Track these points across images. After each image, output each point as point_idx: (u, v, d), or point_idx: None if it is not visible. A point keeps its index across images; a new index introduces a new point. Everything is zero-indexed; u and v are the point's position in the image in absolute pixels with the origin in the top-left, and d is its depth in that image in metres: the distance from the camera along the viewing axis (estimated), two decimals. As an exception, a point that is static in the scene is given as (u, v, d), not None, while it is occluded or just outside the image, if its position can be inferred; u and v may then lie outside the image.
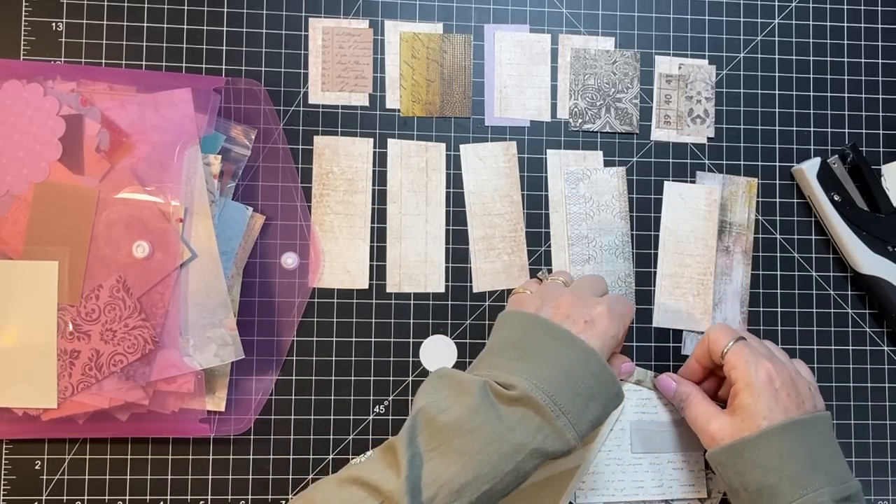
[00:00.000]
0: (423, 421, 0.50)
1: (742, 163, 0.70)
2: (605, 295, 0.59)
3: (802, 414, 0.56)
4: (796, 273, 0.70)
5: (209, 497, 0.64)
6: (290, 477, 0.65)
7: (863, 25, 0.72)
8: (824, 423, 0.57)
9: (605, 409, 0.53)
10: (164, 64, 0.66)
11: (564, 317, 0.54)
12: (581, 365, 0.52)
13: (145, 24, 0.66)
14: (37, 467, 0.64)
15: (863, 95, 0.71)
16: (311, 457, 0.65)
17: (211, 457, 0.65)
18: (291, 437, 0.65)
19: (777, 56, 0.71)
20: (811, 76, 0.71)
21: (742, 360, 0.58)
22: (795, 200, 0.71)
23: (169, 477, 0.64)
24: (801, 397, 0.57)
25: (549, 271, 0.66)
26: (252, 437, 0.65)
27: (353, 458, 0.51)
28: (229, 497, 0.65)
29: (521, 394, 0.49)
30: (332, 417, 0.66)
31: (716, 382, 0.65)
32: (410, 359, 0.67)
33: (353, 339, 0.66)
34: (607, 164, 0.69)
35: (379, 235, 0.67)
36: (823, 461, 0.55)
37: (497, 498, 0.49)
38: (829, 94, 0.71)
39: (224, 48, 0.67)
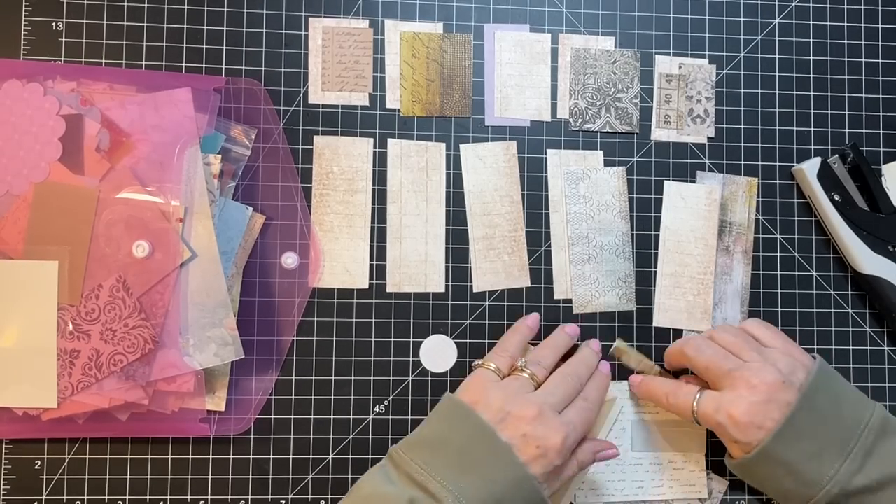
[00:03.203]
0: None
1: (742, 162, 0.70)
2: (572, 403, 0.58)
3: (784, 417, 0.55)
4: (796, 273, 0.70)
5: (209, 497, 0.64)
6: (290, 477, 0.65)
7: (863, 25, 0.72)
8: (813, 395, 0.56)
9: None
10: (164, 64, 0.66)
11: (518, 435, 0.54)
12: (514, 489, 0.52)
13: (145, 24, 0.66)
14: (37, 467, 0.64)
15: (863, 95, 0.71)
16: (310, 457, 0.65)
17: (211, 457, 0.65)
18: (291, 436, 0.65)
19: (777, 56, 0.71)
20: (811, 76, 0.71)
21: (713, 423, 0.58)
22: (795, 200, 0.71)
23: (169, 477, 0.64)
24: (792, 385, 0.56)
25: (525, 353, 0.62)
26: (252, 436, 0.65)
27: None
28: (229, 497, 0.65)
29: None
30: (332, 417, 0.66)
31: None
32: (410, 359, 0.67)
33: (353, 339, 0.66)
34: (607, 163, 0.69)
35: (379, 235, 0.67)
36: (834, 431, 0.55)
37: None
38: (829, 94, 0.71)
39: (224, 48, 0.67)
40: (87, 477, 0.64)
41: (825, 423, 0.55)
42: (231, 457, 0.65)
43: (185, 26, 0.67)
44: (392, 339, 0.67)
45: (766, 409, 0.55)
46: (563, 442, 0.54)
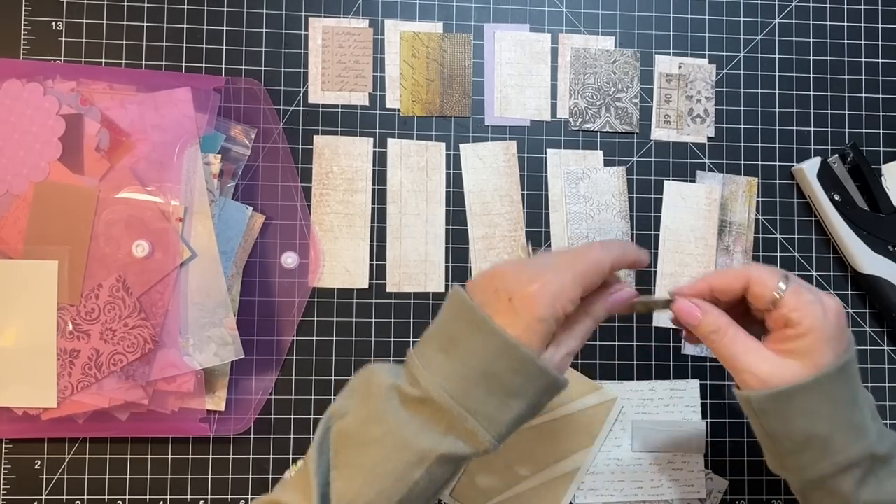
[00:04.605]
0: (333, 436, 0.46)
1: (742, 162, 0.70)
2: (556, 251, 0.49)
3: (849, 347, 0.48)
4: (796, 273, 0.70)
5: (209, 496, 0.64)
6: (290, 476, 0.65)
7: (863, 25, 0.72)
8: (855, 351, 0.49)
9: (536, 402, 0.47)
10: (163, 63, 0.66)
11: (492, 292, 0.46)
12: (498, 360, 0.45)
13: (145, 24, 0.66)
14: (36, 467, 0.64)
15: (863, 95, 0.71)
16: (310, 456, 0.65)
17: (211, 456, 0.65)
18: (291, 436, 0.65)
19: (777, 55, 0.71)
20: (811, 76, 0.71)
21: (806, 301, 0.47)
22: (795, 200, 0.71)
23: (169, 476, 0.64)
24: (847, 328, 0.49)
25: (547, 247, 0.53)
26: (252, 436, 0.65)
27: (286, 473, 0.51)
28: (229, 497, 0.64)
29: (424, 395, 0.45)
30: (331, 417, 0.66)
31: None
32: (410, 358, 0.67)
33: (353, 339, 0.66)
34: (607, 163, 0.69)
35: (379, 235, 0.67)
36: (864, 395, 0.49)
37: (424, 501, 0.46)
38: (829, 94, 0.71)
39: (224, 48, 0.67)
40: (86, 477, 0.64)
41: (859, 378, 0.49)
42: (231, 457, 0.65)
43: (185, 26, 0.67)
44: (392, 339, 0.67)
45: (842, 331, 0.48)
46: (541, 288, 0.45)
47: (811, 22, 0.71)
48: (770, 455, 0.51)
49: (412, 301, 0.67)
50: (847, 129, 0.71)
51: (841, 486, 0.47)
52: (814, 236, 0.70)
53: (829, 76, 0.71)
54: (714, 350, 0.50)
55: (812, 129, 0.71)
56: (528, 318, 0.45)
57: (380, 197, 0.67)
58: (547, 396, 0.47)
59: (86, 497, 0.64)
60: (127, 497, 0.64)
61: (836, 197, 0.68)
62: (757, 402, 0.48)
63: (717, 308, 0.50)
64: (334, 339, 0.66)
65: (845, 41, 0.72)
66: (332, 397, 0.66)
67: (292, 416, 0.65)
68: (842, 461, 0.47)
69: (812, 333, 0.47)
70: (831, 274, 0.70)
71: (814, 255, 0.70)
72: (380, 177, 0.67)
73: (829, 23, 0.72)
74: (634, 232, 0.69)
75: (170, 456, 0.64)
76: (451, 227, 0.68)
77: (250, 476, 0.65)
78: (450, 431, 0.45)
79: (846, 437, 0.47)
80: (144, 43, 0.66)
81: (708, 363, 0.68)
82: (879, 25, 0.72)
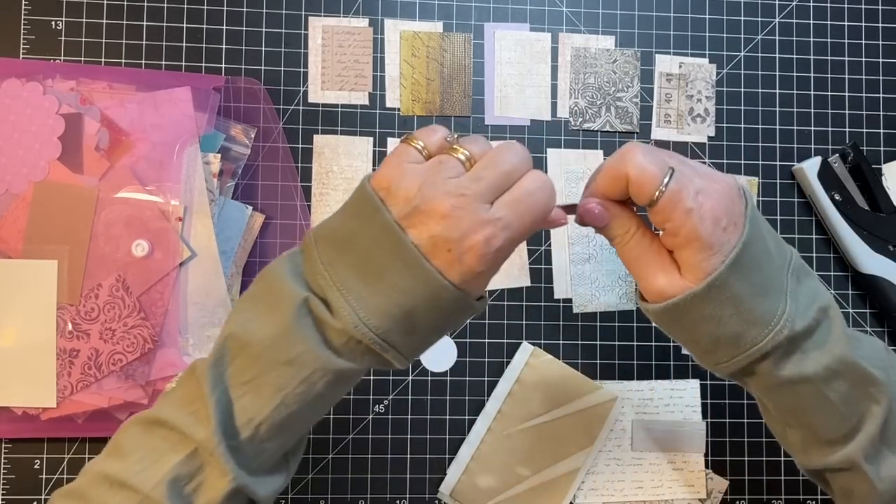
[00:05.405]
0: (234, 349, 0.43)
1: (743, 162, 0.70)
2: (507, 192, 0.44)
3: (741, 235, 0.44)
4: (797, 272, 0.70)
5: (209, 496, 0.64)
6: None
7: (863, 24, 0.72)
8: (757, 221, 0.45)
9: (453, 330, 0.48)
10: (163, 63, 0.66)
11: (426, 237, 0.42)
12: (428, 302, 0.43)
13: (145, 23, 0.66)
14: (36, 466, 0.63)
15: (863, 94, 0.71)
16: (310, 456, 0.65)
17: (210, 456, 0.65)
18: (291, 436, 0.65)
19: (777, 55, 0.71)
20: (812, 75, 0.71)
21: (682, 210, 0.43)
22: (796, 200, 0.71)
23: (168, 476, 0.64)
24: (740, 214, 0.45)
25: (457, 138, 0.46)
26: (251, 436, 0.65)
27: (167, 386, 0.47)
28: (229, 496, 0.64)
29: (345, 328, 0.42)
30: (331, 416, 0.65)
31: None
32: (410, 358, 0.67)
33: (353, 339, 0.66)
34: (607, 163, 0.69)
35: (379, 234, 0.67)
36: (772, 268, 0.45)
37: (324, 411, 0.47)
38: (829, 93, 0.71)
39: (224, 47, 0.67)
40: (86, 476, 0.64)
41: (768, 254, 0.45)
42: (230, 456, 0.65)
43: (185, 25, 0.67)
44: (392, 339, 0.66)
45: (737, 216, 0.44)
46: (486, 244, 0.42)
47: (811, 21, 0.71)
48: (693, 355, 0.49)
49: (412, 301, 0.67)
50: (847, 129, 0.71)
51: (762, 369, 0.46)
52: (814, 236, 0.70)
53: (829, 76, 0.71)
54: (619, 255, 0.48)
55: (812, 128, 0.71)
56: (467, 271, 0.42)
57: (380, 196, 0.67)
58: (463, 323, 0.48)
59: (85, 497, 0.63)
60: (126, 497, 0.64)
61: (837, 196, 0.68)
62: (653, 316, 0.47)
63: (626, 211, 0.48)
64: (334, 338, 0.66)
65: (846, 41, 0.72)
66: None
67: (292, 416, 0.65)
68: (755, 353, 0.45)
69: (691, 246, 0.44)
70: (832, 274, 0.70)
71: (814, 254, 0.70)
72: (380, 176, 0.67)
73: (829, 22, 0.72)
74: (634, 231, 0.69)
75: (169, 456, 0.64)
76: (451, 226, 0.68)
77: (250, 476, 0.65)
78: (367, 357, 0.44)
79: (755, 332, 0.44)
80: (144, 42, 0.66)
81: (708, 363, 0.68)
82: (879, 25, 0.72)
